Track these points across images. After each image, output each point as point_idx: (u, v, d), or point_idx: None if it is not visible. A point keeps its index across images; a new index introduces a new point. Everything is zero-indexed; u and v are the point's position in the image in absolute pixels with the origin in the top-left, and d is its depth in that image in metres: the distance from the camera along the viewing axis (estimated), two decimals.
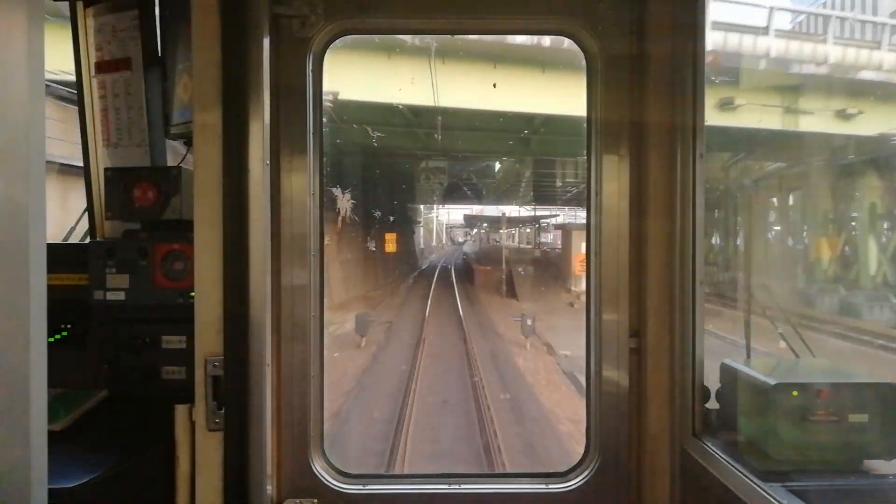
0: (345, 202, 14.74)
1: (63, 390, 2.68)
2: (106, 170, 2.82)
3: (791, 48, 15.13)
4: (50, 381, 1.44)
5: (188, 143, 2.87)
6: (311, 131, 2.66)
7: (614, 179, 2.65)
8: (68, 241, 3.71)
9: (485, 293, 28.50)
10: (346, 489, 2.65)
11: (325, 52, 2.70)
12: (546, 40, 14.05)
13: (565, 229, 31.30)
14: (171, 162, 3.08)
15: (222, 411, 2.27)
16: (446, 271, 37.87)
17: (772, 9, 14.98)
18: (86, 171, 3.16)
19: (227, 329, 2.29)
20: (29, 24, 1.33)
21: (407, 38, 13.02)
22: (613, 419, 2.66)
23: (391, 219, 28.41)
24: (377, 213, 24.02)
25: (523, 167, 28.22)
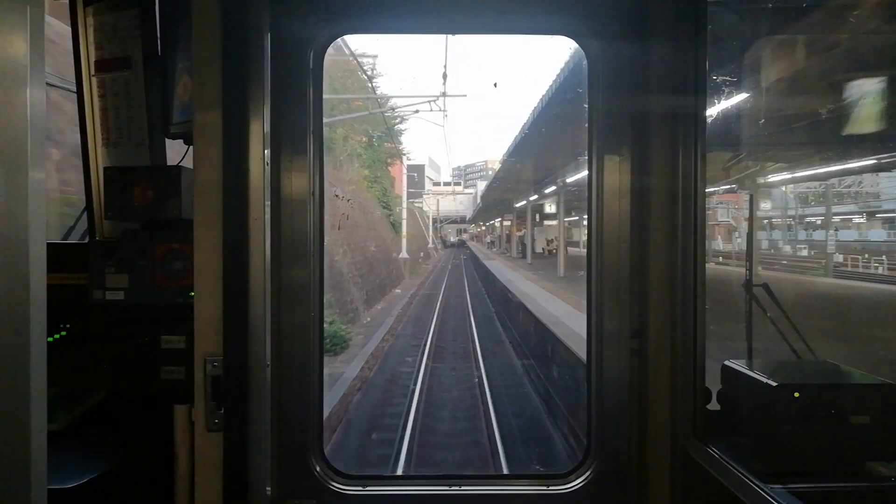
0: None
1: (63, 390, 2.68)
2: (105, 169, 2.82)
3: None
4: (50, 381, 1.44)
5: (188, 142, 2.87)
6: (311, 131, 2.66)
7: (615, 179, 2.65)
8: (68, 241, 3.70)
9: None
10: (345, 490, 2.65)
11: (325, 51, 2.70)
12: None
13: None
14: (171, 162, 3.07)
15: (222, 411, 2.27)
16: None
17: None
18: (85, 171, 3.15)
19: (227, 329, 2.28)
20: (29, 23, 1.33)
21: None
22: (614, 420, 2.65)
23: None
24: None
25: None
